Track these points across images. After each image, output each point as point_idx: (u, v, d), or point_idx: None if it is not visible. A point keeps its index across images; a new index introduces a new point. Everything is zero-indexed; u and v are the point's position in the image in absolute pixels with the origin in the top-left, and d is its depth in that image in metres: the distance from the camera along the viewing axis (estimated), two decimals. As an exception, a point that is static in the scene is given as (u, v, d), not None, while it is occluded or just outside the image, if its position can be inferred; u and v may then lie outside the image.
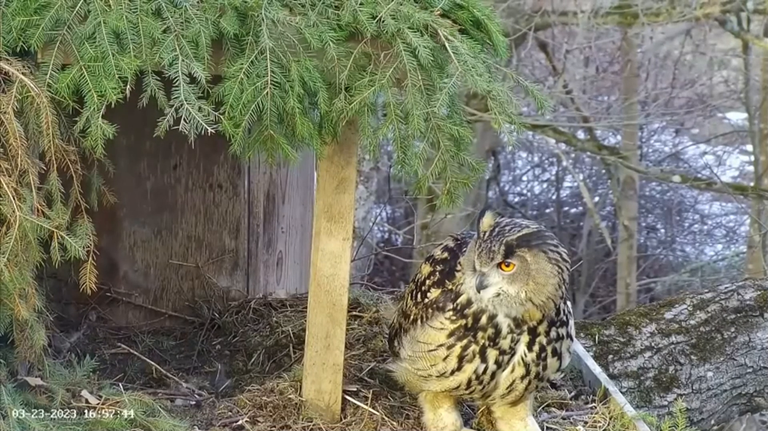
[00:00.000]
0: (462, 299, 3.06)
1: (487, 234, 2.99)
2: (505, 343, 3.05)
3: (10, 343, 3.12)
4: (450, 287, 3.10)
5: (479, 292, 3.00)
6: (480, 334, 3.04)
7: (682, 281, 11.72)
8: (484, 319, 3.04)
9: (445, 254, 3.18)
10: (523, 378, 3.10)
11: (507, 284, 2.99)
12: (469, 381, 3.09)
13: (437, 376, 3.12)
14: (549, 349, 3.09)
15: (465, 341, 3.06)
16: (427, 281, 3.16)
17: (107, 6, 2.97)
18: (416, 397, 3.31)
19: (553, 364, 3.12)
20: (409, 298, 3.22)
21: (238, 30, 2.99)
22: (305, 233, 4.35)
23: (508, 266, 2.98)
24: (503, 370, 3.08)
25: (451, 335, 3.06)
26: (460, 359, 3.07)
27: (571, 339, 3.16)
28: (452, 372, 3.09)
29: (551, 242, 2.99)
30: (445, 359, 3.08)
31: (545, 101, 3.17)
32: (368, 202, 8.84)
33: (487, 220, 3.01)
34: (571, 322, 3.16)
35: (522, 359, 3.07)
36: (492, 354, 3.06)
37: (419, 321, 3.13)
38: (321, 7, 3.04)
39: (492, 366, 3.07)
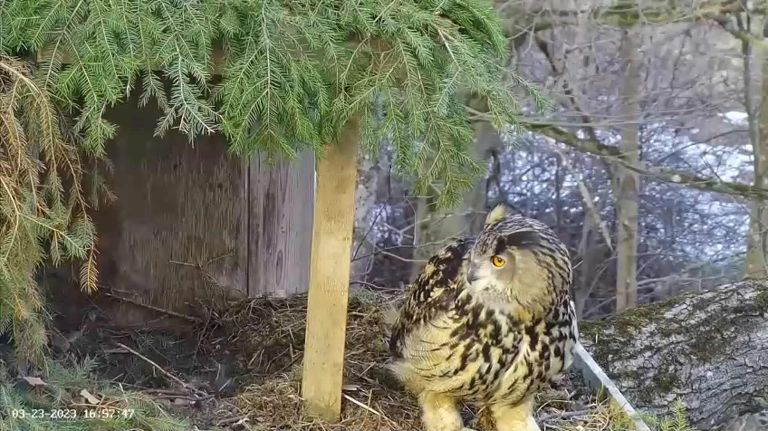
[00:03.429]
0: (462, 294, 3.06)
1: (489, 227, 3.00)
2: (507, 341, 3.05)
3: (10, 343, 3.12)
4: (453, 286, 3.10)
5: (470, 282, 3.01)
6: (482, 332, 3.04)
7: (682, 281, 11.71)
8: (482, 315, 3.03)
9: (449, 254, 3.18)
10: (525, 377, 3.09)
11: (495, 279, 2.98)
12: (473, 381, 3.09)
13: (440, 376, 3.11)
14: (552, 348, 3.08)
15: (468, 340, 3.05)
16: (431, 281, 3.16)
17: (107, 6, 2.97)
18: (416, 397, 3.31)
19: (555, 364, 3.11)
20: (412, 298, 3.22)
21: (238, 30, 2.99)
22: (305, 232, 4.35)
23: (500, 261, 2.98)
24: (506, 369, 3.08)
25: (454, 334, 3.06)
26: (464, 358, 3.06)
27: (575, 340, 3.15)
28: (456, 372, 3.08)
29: (545, 245, 2.96)
30: (448, 358, 3.08)
31: (545, 101, 3.17)
32: (368, 202, 8.84)
33: (494, 213, 3.03)
34: (575, 323, 3.15)
35: (525, 358, 3.07)
36: (495, 352, 3.05)
37: (422, 321, 3.13)
38: (321, 7, 3.04)
39: (495, 365, 3.06)
